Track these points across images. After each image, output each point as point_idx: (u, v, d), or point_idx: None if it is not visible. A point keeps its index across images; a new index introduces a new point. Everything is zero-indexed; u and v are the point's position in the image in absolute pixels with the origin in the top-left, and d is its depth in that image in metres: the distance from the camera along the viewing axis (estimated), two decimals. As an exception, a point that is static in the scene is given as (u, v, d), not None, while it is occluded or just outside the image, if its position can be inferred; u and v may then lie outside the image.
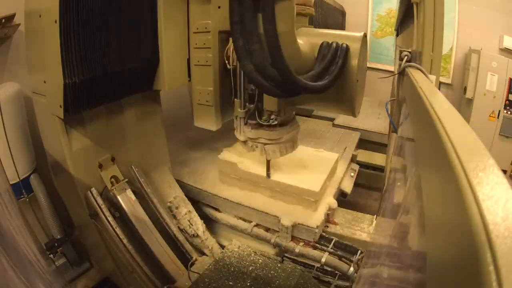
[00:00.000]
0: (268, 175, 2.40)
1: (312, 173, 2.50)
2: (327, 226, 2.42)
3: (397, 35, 4.64)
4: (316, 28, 3.46)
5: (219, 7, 1.83)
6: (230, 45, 1.82)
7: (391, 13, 5.71)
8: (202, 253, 2.47)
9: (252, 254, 2.29)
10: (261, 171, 2.44)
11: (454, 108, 0.85)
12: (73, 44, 1.61)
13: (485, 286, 0.32)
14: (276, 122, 1.86)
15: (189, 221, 2.50)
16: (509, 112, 4.97)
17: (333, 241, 2.26)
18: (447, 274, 0.45)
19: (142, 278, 2.08)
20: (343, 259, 2.21)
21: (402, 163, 1.49)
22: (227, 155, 2.65)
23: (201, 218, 2.64)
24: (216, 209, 2.64)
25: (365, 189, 4.34)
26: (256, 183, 2.50)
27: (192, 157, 3.13)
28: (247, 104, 1.89)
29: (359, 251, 2.18)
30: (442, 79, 5.33)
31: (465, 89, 5.24)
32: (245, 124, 1.96)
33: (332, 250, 2.21)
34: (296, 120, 2.11)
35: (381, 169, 3.41)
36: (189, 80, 2.12)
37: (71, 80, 1.65)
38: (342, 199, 2.80)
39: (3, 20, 2.37)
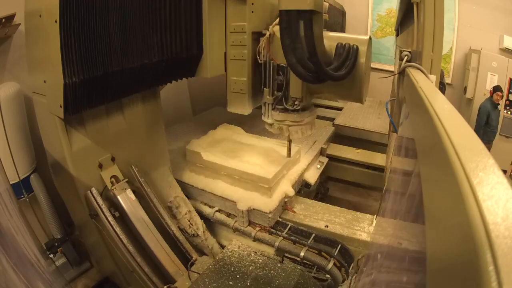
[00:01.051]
0: (289, 155, 2.74)
1: (270, 163, 2.72)
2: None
3: (397, 35, 4.64)
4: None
5: (252, 12, 2.22)
6: (261, 43, 2.18)
7: (391, 13, 5.72)
8: (202, 253, 2.47)
9: (252, 254, 2.29)
10: (222, 160, 2.70)
11: (454, 108, 0.85)
12: (73, 44, 1.61)
13: (485, 286, 0.32)
14: (299, 107, 2.21)
15: (189, 221, 2.50)
16: (509, 112, 4.98)
17: (288, 226, 2.45)
18: (447, 274, 0.45)
19: (142, 278, 2.08)
20: (322, 253, 2.30)
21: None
22: (194, 145, 2.89)
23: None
24: (187, 196, 2.79)
25: (365, 189, 4.35)
26: (217, 171, 2.72)
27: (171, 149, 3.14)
28: (275, 92, 2.24)
29: (339, 246, 2.28)
30: (442, 79, 5.32)
31: (465, 89, 5.24)
32: (273, 109, 2.30)
33: (286, 235, 2.38)
34: (314, 107, 2.41)
35: (381, 169, 3.41)
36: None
37: (71, 80, 1.65)
38: (307, 189, 3.05)
39: (3, 20, 2.37)
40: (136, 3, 1.86)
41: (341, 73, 1.89)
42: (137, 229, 2.13)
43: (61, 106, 1.71)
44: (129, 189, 2.17)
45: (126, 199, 2.14)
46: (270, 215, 2.39)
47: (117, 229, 2.02)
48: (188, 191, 2.78)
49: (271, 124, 2.38)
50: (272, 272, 2.14)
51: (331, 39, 2.00)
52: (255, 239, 2.44)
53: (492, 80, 4.91)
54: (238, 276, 2.10)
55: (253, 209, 2.45)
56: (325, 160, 3.46)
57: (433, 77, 1.78)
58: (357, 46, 1.94)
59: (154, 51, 2.04)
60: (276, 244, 2.33)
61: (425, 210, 0.66)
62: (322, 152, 3.52)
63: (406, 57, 2.06)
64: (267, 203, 2.46)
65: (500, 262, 0.32)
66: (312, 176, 3.07)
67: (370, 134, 4.02)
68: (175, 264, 2.22)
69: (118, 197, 2.11)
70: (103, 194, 2.09)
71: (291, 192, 2.61)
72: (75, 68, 1.65)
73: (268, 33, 2.13)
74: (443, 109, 0.82)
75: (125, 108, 2.20)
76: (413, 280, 0.74)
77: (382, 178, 3.21)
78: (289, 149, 2.73)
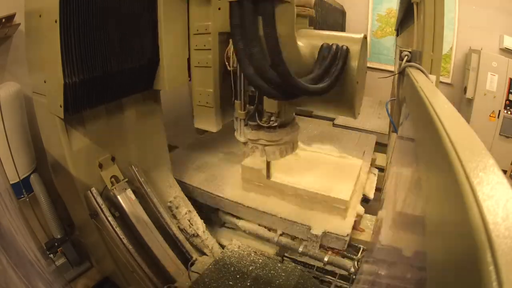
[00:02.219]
0: (268, 176, 2.38)
1: (340, 181, 2.44)
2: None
3: (397, 35, 4.65)
4: (316, 28, 3.47)
5: (219, 9, 1.84)
6: (230, 46, 1.82)
7: (391, 13, 5.71)
8: (202, 253, 2.47)
9: (252, 254, 2.29)
10: (288, 179, 2.42)
11: (454, 108, 0.85)
12: (73, 44, 1.61)
13: (485, 285, 0.32)
14: (276, 124, 1.86)
15: (189, 220, 2.50)
16: (509, 112, 4.97)
17: (361, 249, 2.21)
18: (447, 273, 0.45)
19: (142, 278, 2.08)
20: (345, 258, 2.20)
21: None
22: (251, 161, 2.55)
23: (220, 226, 2.63)
24: (238, 217, 2.56)
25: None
26: (281, 191, 2.43)
27: (209, 163, 3.06)
28: (247, 105, 1.89)
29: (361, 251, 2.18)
30: (442, 79, 5.32)
31: (465, 89, 5.23)
32: (245, 125, 1.96)
33: (359, 258, 2.15)
34: (296, 122, 2.10)
35: (381, 169, 3.41)
36: (190, 80, 2.12)
37: (71, 80, 1.65)
38: (365, 204, 2.71)
39: (3, 20, 2.36)
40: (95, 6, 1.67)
41: (322, 85, 1.48)
42: (137, 229, 2.13)
43: (61, 106, 1.71)
44: (129, 189, 2.17)
45: (126, 199, 2.14)
46: (346, 238, 2.12)
47: (117, 229, 2.02)
48: (241, 211, 2.50)
49: (245, 143, 2.06)
50: (272, 272, 2.14)
51: (314, 38, 1.68)
52: (328, 264, 2.19)
53: (492, 80, 4.90)
54: (238, 276, 2.10)
55: (328, 232, 2.16)
56: (376, 171, 3.16)
57: (433, 77, 1.78)
58: (346, 47, 1.57)
59: (110, 60, 1.84)
60: (352, 269, 2.11)
61: (426, 209, 0.66)
62: (372, 163, 3.23)
63: (406, 57, 2.05)
64: (342, 225, 2.21)
65: (500, 261, 0.33)
66: (370, 190, 2.81)
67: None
68: (175, 264, 2.22)
69: (118, 197, 2.11)
70: (103, 194, 2.09)
71: (361, 210, 2.38)
72: (75, 68, 1.65)
73: None
74: (443, 109, 0.82)
75: (125, 108, 2.20)
76: (414, 279, 0.74)
77: (382, 178, 3.20)
78: (268, 170, 2.41)
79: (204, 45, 1.94)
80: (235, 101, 1.94)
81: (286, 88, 1.40)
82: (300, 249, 2.23)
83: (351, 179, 2.48)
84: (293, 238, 2.35)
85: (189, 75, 2.13)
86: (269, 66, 1.33)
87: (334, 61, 1.54)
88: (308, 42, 1.64)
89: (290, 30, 1.48)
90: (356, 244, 2.27)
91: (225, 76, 1.95)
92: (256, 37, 1.30)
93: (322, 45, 1.59)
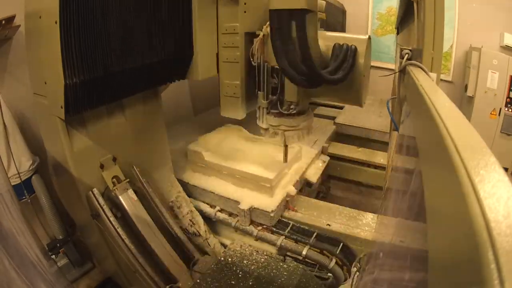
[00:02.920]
0: (285, 160, 2.59)
1: (271, 162, 2.70)
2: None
3: (397, 33, 4.63)
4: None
5: (245, 12, 2.12)
6: (255, 44, 2.08)
7: (392, 11, 5.70)
8: (204, 253, 2.47)
9: (254, 253, 2.29)
10: (224, 160, 2.73)
11: (455, 106, 0.85)
12: (73, 45, 1.61)
13: (487, 284, 0.32)
14: (295, 111, 2.14)
15: (191, 220, 2.50)
16: (510, 110, 4.96)
17: (290, 225, 2.46)
18: (448, 272, 0.45)
19: (144, 278, 2.08)
20: (325, 252, 2.31)
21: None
22: (195, 145, 2.93)
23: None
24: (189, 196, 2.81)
25: (366, 188, 4.34)
26: (219, 171, 2.75)
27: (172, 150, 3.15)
28: (269, 95, 2.15)
29: (341, 245, 2.29)
30: (442, 77, 5.31)
31: (466, 87, 5.22)
32: (268, 113, 2.22)
33: (288, 234, 2.39)
34: (310, 110, 2.35)
35: (382, 167, 3.41)
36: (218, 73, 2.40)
37: (71, 81, 1.65)
38: (309, 188, 3.07)
39: (3, 22, 2.37)
40: (132, 5, 1.85)
41: (338, 76, 1.79)
42: (139, 229, 2.14)
43: (62, 107, 1.71)
44: (131, 189, 2.17)
45: (128, 199, 2.14)
46: (272, 214, 2.40)
47: (119, 229, 2.03)
48: (189, 190, 2.79)
49: (266, 129, 2.31)
50: (274, 271, 2.15)
51: (328, 39, 1.92)
52: (257, 238, 2.45)
53: (492, 78, 4.89)
54: (240, 275, 2.10)
55: (255, 208, 2.45)
56: (326, 158, 3.46)
57: (434, 75, 1.78)
58: (355, 47, 1.85)
59: (150, 52, 2.04)
60: (278, 243, 2.34)
61: (427, 208, 0.66)
62: (323, 151, 3.52)
63: (406, 55, 2.05)
64: (269, 202, 2.47)
65: (501, 260, 0.32)
66: (313, 175, 3.07)
67: (371, 133, 4.01)
68: (177, 264, 2.23)
69: (120, 197, 2.11)
70: (104, 195, 2.09)
71: (293, 191, 2.61)
72: (76, 69, 1.65)
73: (261, 33, 2.04)
74: (444, 107, 0.81)
75: (126, 108, 2.20)
76: (415, 278, 0.74)
77: (383, 176, 3.20)
78: (286, 154, 2.58)
79: (232, 43, 2.21)
80: (258, 92, 2.19)
81: (312, 78, 1.72)
82: (233, 224, 2.53)
83: (281, 161, 2.66)
84: (230, 214, 2.65)
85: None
86: (300, 61, 1.65)
87: (346, 58, 1.83)
88: (323, 42, 1.91)
89: (315, 33, 1.80)
90: (286, 220, 2.53)
91: (249, 70, 2.24)
92: (290, 38, 1.61)
93: (334, 45, 1.86)
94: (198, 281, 2.08)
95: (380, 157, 3.53)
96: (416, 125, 1.15)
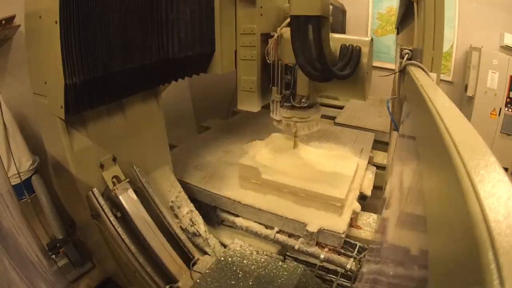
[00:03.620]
0: (295, 147, 2.85)
1: (336, 179, 2.53)
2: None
3: (397, 33, 4.62)
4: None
5: (261, 15, 2.33)
6: (270, 44, 2.29)
7: (392, 11, 5.70)
8: (204, 253, 2.47)
9: (254, 253, 2.29)
10: (284, 177, 2.53)
11: (455, 106, 0.85)
12: (73, 45, 1.61)
13: (487, 284, 0.32)
14: (306, 105, 2.33)
15: (191, 220, 2.50)
16: (510, 110, 4.96)
17: (357, 247, 2.27)
18: (448, 272, 0.45)
19: (144, 278, 2.08)
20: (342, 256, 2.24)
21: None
22: (248, 159, 2.69)
23: (218, 224, 2.69)
24: (235, 215, 2.62)
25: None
26: (278, 188, 2.53)
27: (207, 161, 3.10)
28: (283, 90, 2.37)
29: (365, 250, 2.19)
30: (442, 77, 5.31)
31: (466, 87, 5.22)
32: (281, 106, 2.42)
33: (356, 256, 2.22)
34: (319, 104, 2.52)
35: (382, 167, 3.40)
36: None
37: (71, 81, 1.65)
38: (363, 202, 2.78)
39: (3, 22, 2.37)
40: (141, 3, 1.91)
41: (345, 72, 1.98)
42: (139, 229, 2.13)
43: (62, 107, 1.71)
44: (131, 189, 2.17)
45: (128, 199, 2.14)
46: (342, 235, 2.21)
47: (119, 229, 2.03)
48: (238, 209, 2.58)
49: (279, 121, 2.49)
50: (274, 271, 2.14)
51: (335, 40, 2.07)
52: (323, 261, 2.26)
53: (493, 78, 4.89)
54: (240, 275, 2.10)
55: (324, 229, 2.25)
56: (374, 169, 3.23)
57: (434, 75, 1.78)
58: (359, 47, 2.00)
59: (153, 51, 2.07)
60: (348, 266, 2.17)
61: (427, 208, 0.66)
62: (369, 161, 3.27)
63: (406, 55, 2.07)
64: (338, 222, 2.28)
65: (501, 260, 0.32)
66: (368, 188, 2.87)
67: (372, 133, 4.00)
68: (177, 264, 2.23)
69: (120, 197, 2.11)
70: (104, 195, 2.09)
71: (358, 207, 2.47)
72: (76, 69, 1.65)
73: (276, 34, 2.22)
74: (444, 107, 0.82)
75: (126, 108, 2.20)
76: (415, 277, 0.74)
77: (383, 176, 3.20)
78: (295, 144, 2.86)
79: (250, 43, 2.43)
80: (273, 87, 2.41)
81: (325, 73, 1.93)
82: (297, 246, 2.30)
83: (348, 177, 2.58)
84: (290, 235, 2.41)
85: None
86: (315, 59, 1.86)
87: (352, 57, 2.00)
88: (331, 43, 2.07)
89: (327, 35, 1.99)
90: (352, 241, 2.31)
91: (264, 67, 2.45)
92: (307, 39, 1.82)
93: (341, 45, 2.04)
94: (198, 281, 2.08)
95: (380, 157, 3.53)
96: (416, 125, 1.15)
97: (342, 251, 2.26)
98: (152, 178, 2.46)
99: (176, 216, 2.49)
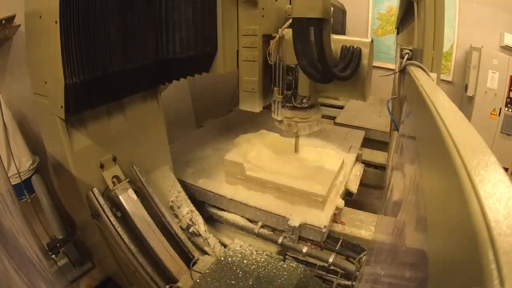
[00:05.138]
0: (296, 150, 2.82)
1: (320, 175, 2.55)
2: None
3: (397, 33, 4.62)
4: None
5: (263, 16, 2.38)
6: (271, 45, 2.31)
7: (392, 11, 5.70)
8: (204, 252, 2.47)
9: (254, 253, 2.29)
10: (267, 173, 2.57)
11: (455, 106, 0.85)
12: (73, 44, 1.61)
13: (487, 284, 0.32)
14: (307, 105, 2.36)
15: (190, 220, 2.50)
16: (510, 110, 4.96)
17: (340, 241, 2.33)
18: (448, 272, 0.45)
19: (144, 278, 2.08)
20: (350, 259, 2.25)
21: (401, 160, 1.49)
22: (233, 155, 2.73)
23: (206, 219, 2.66)
24: (222, 210, 2.69)
25: (367, 187, 4.34)
26: (262, 185, 2.58)
27: (197, 157, 3.15)
28: (284, 91, 2.39)
29: (365, 250, 2.20)
30: (443, 77, 5.31)
31: (466, 87, 5.22)
32: (283, 107, 2.44)
33: (338, 250, 2.28)
34: (319, 105, 2.54)
35: (383, 167, 3.41)
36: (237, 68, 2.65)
37: (71, 81, 1.65)
38: (348, 198, 2.83)
39: (4, 22, 2.37)
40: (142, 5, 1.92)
41: (346, 73, 2.02)
42: (139, 228, 2.14)
43: (62, 107, 1.71)
44: (131, 189, 2.17)
45: (128, 199, 2.14)
46: (324, 230, 2.25)
47: (119, 229, 2.03)
48: (225, 204, 2.64)
49: (280, 121, 2.51)
50: (274, 271, 2.15)
51: (336, 41, 2.09)
52: (306, 255, 2.32)
53: (493, 78, 4.89)
54: (240, 275, 2.10)
55: (306, 224, 2.29)
56: (362, 166, 3.26)
57: (434, 75, 1.78)
58: (360, 49, 2.05)
59: (154, 51, 2.07)
60: (330, 260, 2.23)
61: (427, 208, 0.66)
62: (358, 158, 3.29)
63: (406, 55, 2.06)
64: (321, 217, 2.32)
65: (501, 260, 0.32)
66: (353, 185, 2.91)
67: (371, 133, 4.01)
68: (177, 264, 2.23)
69: (120, 197, 2.11)
70: (104, 194, 2.09)
71: (341, 203, 2.48)
72: (76, 69, 1.65)
73: (277, 36, 2.26)
74: (444, 107, 0.81)
75: (126, 108, 2.20)
76: (415, 277, 0.74)
77: (383, 176, 3.20)
78: (297, 145, 2.82)
79: (252, 44, 2.46)
80: (274, 88, 2.43)
81: (326, 74, 1.95)
82: (280, 241, 2.37)
83: (331, 172, 2.61)
84: (273, 229, 2.49)
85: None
86: (316, 60, 1.87)
87: (352, 58, 2.04)
88: (332, 44, 2.06)
89: (329, 37, 1.96)
90: (337, 236, 2.37)
91: (265, 68, 2.48)
92: (309, 41, 1.82)
93: (342, 47, 2.08)
94: (198, 281, 2.08)
95: (380, 157, 3.53)
96: (416, 125, 1.15)
97: (323, 245, 2.34)
98: (152, 178, 2.46)
99: (176, 216, 2.49)
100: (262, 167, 2.66)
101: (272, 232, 2.47)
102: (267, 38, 2.41)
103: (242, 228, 2.55)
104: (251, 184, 2.63)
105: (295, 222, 2.29)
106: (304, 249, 2.29)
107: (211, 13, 2.40)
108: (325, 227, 2.25)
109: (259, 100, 2.56)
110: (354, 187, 2.89)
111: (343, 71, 2.03)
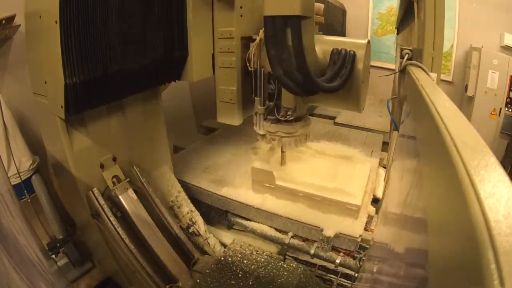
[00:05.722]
0: (282, 163, 2.52)
1: (352, 183, 2.45)
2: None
3: (397, 33, 4.62)
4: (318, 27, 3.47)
5: (241, 16, 2.07)
6: (251, 49, 2.04)
7: (392, 11, 5.69)
8: (204, 252, 2.47)
9: (254, 253, 2.29)
10: (297, 182, 2.42)
11: (455, 106, 0.85)
12: (73, 44, 1.61)
13: (487, 284, 0.32)
14: (292, 118, 2.08)
15: (190, 220, 2.50)
16: (510, 110, 4.96)
17: (358, 245, 2.21)
18: (448, 272, 0.45)
19: (144, 278, 2.08)
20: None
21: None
22: (261, 163, 2.55)
23: (229, 229, 2.62)
24: (248, 219, 2.55)
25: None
26: (293, 193, 2.43)
27: (217, 164, 3.04)
28: (266, 102, 2.12)
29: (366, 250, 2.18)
30: (443, 77, 5.31)
31: (466, 87, 5.22)
32: (265, 119, 2.18)
33: (362, 256, 2.18)
34: (308, 116, 2.29)
35: (383, 167, 3.40)
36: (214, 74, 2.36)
37: (71, 81, 1.65)
38: (375, 204, 2.69)
39: (3, 21, 2.37)
40: (132, 5, 1.86)
41: (335, 84, 1.72)
42: (139, 228, 2.14)
43: (62, 107, 1.71)
44: (131, 189, 2.17)
45: (128, 199, 2.14)
46: (359, 239, 2.14)
47: (119, 229, 2.03)
48: (252, 213, 2.49)
49: (263, 135, 2.26)
50: (274, 271, 2.15)
51: (325, 43, 1.85)
52: (339, 266, 2.21)
53: (493, 78, 4.89)
54: (240, 275, 2.10)
55: (340, 234, 2.17)
56: (384, 171, 3.08)
57: (434, 75, 1.78)
58: (354, 52, 1.77)
59: (149, 52, 2.03)
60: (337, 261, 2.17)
61: (427, 208, 0.66)
62: (380, 163, 3.19)
63: (406, 55, 2.05)
64: (355, 226, 2.22)
65: (501, 260, 0.32)
66: (379, 190, 2.77)
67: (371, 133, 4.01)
68: (177, 264, 2.23)
69: (120, 197, 2.11)
70: (104, 194, 2.09)
71: (372, 211, 2.39)
72: (76, 69, 1.65)
73: (258, 38, 1.97)
74: (444, 107, 0.81)
75: (126, 108, 2.21)
76: (416, 277, 0.74)
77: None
78: (283, 159, 2.54)
79: (228, 48, 2.16)
80: (255, 98, 2.15)
81: (307, 87, 1.66)
82: (312, 251, 2.23)
83: (363, 181, 2.48)
84: (304, 240, 2.34)
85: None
86: (295, 69, 1.58)
87: (344, 65, 1.75)
88: (320, 47, 1.82)
89: (311, 40, 1.72)
90: (365, 245, 2.25)
91: (245, 75, 2.19)
92: (286, 46, 1.55)
93: (332, 50, 1.78)
94: (198, 281, 2.08)
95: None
96: (416, 125, 1.15)
97: (356, 254, 2.21)
98: (152, 177, 2.46)
99: (176, 216, 2.49)
100: (290, 175, 2.50)
101: (303, 243, 2.33)
102: (246, 41, 2.12)
103: (270, 239, 2.42)
104: (280, 193, 2.48)
105: (330, 232, 2.16)
106: (338, 259, 2.19)
107: (178, 12, 2.12)
108: (360, 236, 2.15)
109: (238, 112, 2.27)
110: (380, 193, 2.75)
111: (331, 81, 1.72)
